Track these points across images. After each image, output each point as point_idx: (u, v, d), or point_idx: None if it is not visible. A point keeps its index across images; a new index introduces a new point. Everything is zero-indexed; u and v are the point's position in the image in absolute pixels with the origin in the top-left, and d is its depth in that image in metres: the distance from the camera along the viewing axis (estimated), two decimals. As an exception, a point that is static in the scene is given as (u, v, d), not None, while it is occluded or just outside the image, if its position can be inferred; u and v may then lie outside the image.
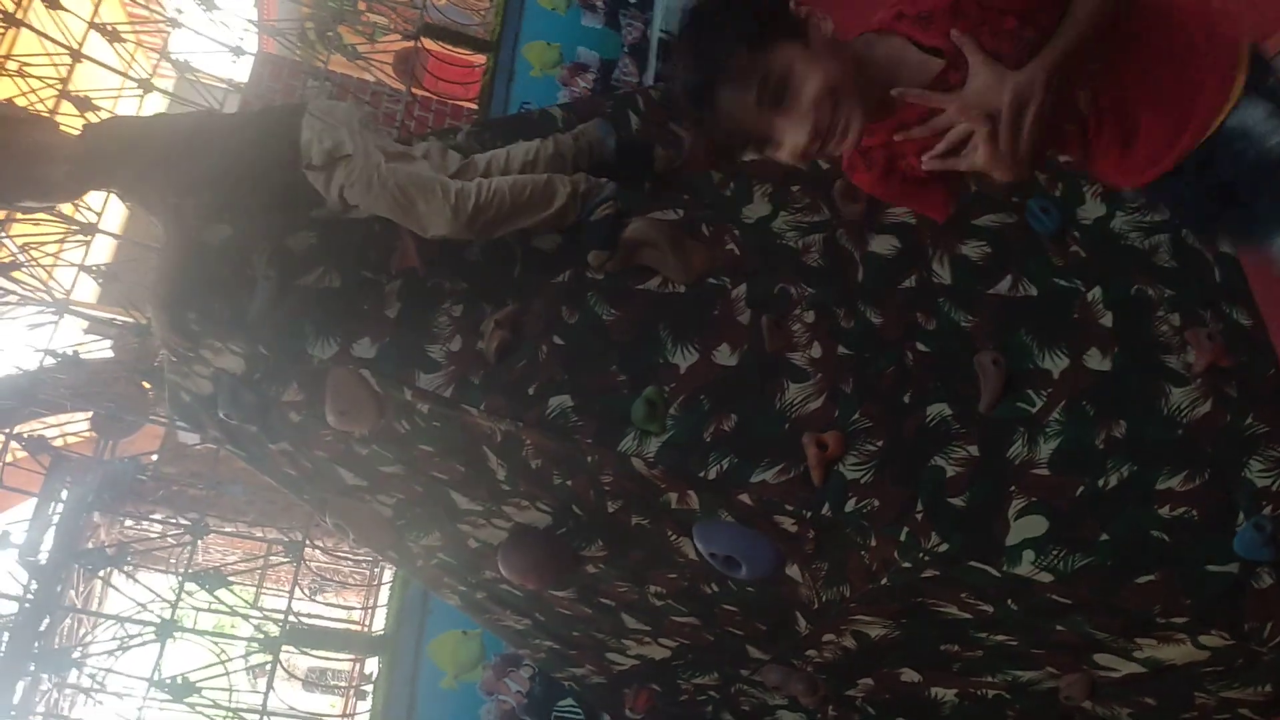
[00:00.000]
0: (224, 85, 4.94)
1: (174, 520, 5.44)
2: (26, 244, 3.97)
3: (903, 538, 1.99)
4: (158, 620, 3.87)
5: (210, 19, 4.54)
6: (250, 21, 6.21)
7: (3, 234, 3.95)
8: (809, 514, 2.07)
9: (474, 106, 5.90)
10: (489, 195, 2.25)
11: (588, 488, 2.30)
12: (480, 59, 6.29)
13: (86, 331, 5.94)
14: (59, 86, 4.12)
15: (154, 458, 6.14)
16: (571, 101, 4.04)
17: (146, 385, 4.72)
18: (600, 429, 2.16)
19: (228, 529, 4.99)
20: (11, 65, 4.05)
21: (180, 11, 4.54)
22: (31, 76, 4.12)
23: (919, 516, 2.00)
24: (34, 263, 3.89)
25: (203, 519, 3.73)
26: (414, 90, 5.79)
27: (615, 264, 2.38)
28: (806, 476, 2.07)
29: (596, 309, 2.34)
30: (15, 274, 3.97)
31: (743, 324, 2.30)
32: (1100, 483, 2.03)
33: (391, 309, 2.34)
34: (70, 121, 4.30)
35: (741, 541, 2.19)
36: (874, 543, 2.03)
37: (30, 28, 4.17)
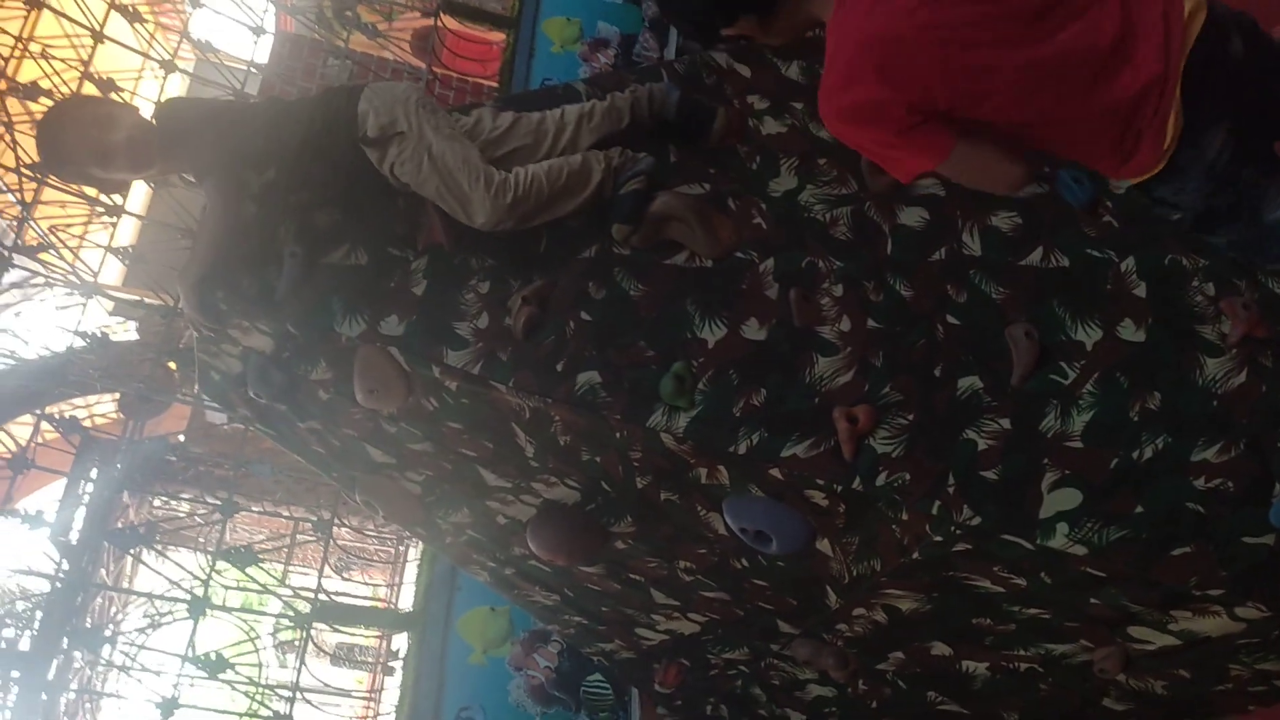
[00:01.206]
0: (245, 66, 4.93)
1: (202, 499, 5.51)
2: (53, 226, 3.99)
3: (935, 511, 1.98)
4: (189, 598, 3.91)
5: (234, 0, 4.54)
6: (269, 1, 6.22)
7: (31, 216, 3.96)
8: (840, 488, 2.06)
9: (494, 84, 5.89)
10: (527, 184, 2.25)
11: (616, 463, 2.30)
12: (499, 37, 6.28)
13: (112, 314, 5.99)
14: (81, 68, 4.14)
15: (181, 438, 6.19)
16: (594, 76, 4.01)
17: (172, 366, 4.76)
18: (629, 405, 2.16)
19: (256, 508, 5.02)
20: (34, 48, 4.06)
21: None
22: (54, 59, 4.13)
23: (951, 490, 1.99)
24: (62, 244, 3.91)
25: (231, 498, 3.76)
26: (433, 68, 5.78)
27: (640, 238, 2.37)
28: (837, 450, 2.06)
29: (623, 284, 2.33)
30: (42, 255, 4.00)
31: (771, 298, 2.28)
32: (1135, 455, 2.01)
33: (418, 286, 2.34)
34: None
35: (772, 516, 2.18)
36: (905, 517, 2.03)
37: (52, 9, 4.18)
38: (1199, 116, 1.56)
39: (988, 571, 2.10)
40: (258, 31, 4.60)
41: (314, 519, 4.34)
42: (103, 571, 5.48)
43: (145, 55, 4.40)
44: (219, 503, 4.26)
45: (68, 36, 4.42)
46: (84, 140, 2.18)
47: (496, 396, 2.25)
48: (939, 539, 2.01)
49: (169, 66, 4.28)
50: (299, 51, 5.40)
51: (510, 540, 2.67)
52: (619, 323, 2.27)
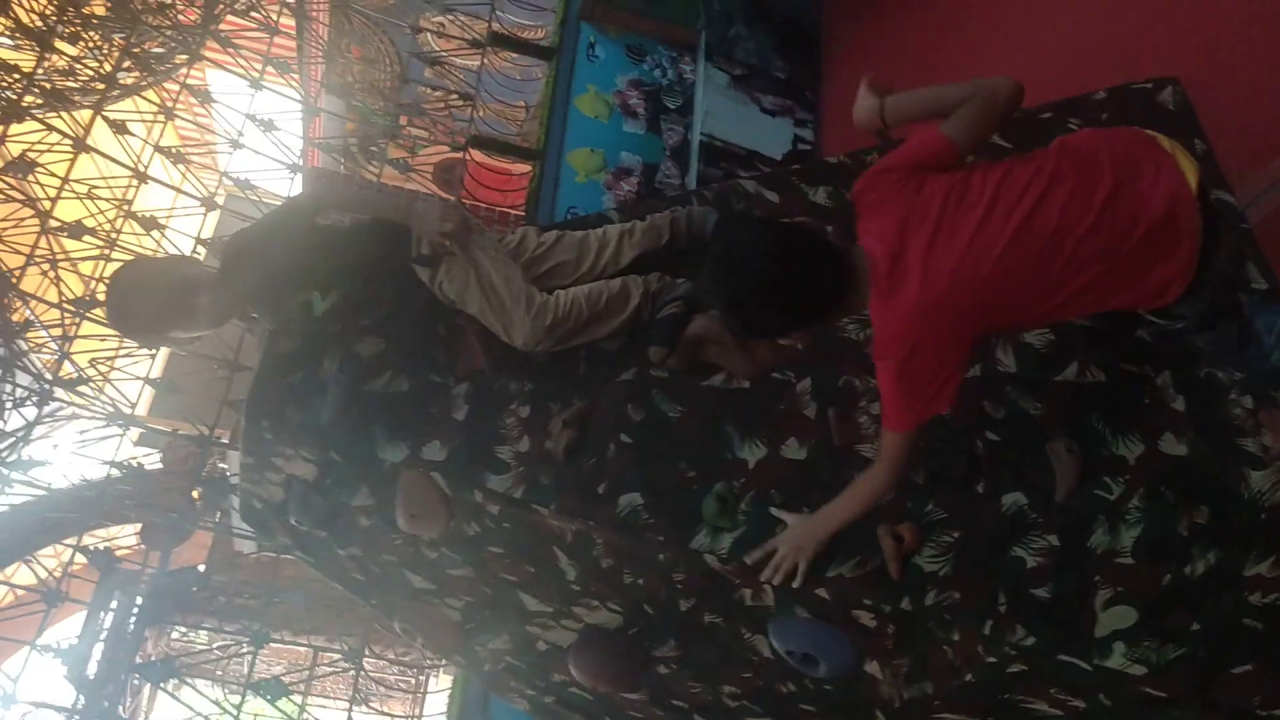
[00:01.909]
0: (279, 201, 5.10)
1: (222, 629, 5.44)
2: (94, 359, 4.07)
3: (987, 631, 1.95)
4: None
5: (270, 140, 4.72)
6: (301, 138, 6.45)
7: (68, 352, 4.05)
8: (888, 608, 2.04)
9: (520, 212, 6.06)
10: (567, 307, 2.32)
11: (660, 586, 2.28)
12: (522, 167, 6.49)
13: (137, 443, 6.03)
14: (124, 206, 4.28)
15: (202, 568, 6.16)
16: (623, 204, 4.12)
17: (195, 496, 4.78)
18: (672, 526, 2.16)
19: (286, 637, 4.96)
20: (79, 188, 4.21)
21: (241, 134, 4.68)
22: (99, 198, 4.28)
23: (1003, 609, 1.96)
24: (103, 377, 3.98)
25: (264, 629, 3.72)
26: (461, 198, 5.97)
27: (677, 361, 2.41)
28: (884, 570, 2.05)
29: (662, 406, 2.36)
30: (80, 387, 4.06)
31: (809, 417, 2.30)
32: (1186, 570, 1.98)
33: (460, 412, 2.38)
34: (133, 240, 4.46)
35: (819, 638, 2.15)
36: (957, 637, 1.99)
37: (100, 153, 4.35)
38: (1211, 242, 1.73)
39: (1044, 693, 2.04)
40: (294, 169, 4.78)
41: (342, 649, 4.27)
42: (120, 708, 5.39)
43: (186, 194, 4.55)
44: (241, 634, 4.21)
45: (104, 179, 4.60)
46: (167, 306, 2.26)
47: (538, 520, 2.25)
48: (992, 660, 1.97)
49: (209, 204, 4.42)
50: (333, 186, 5.58)
51: (550, 667, 2.62)
52: (659, 444, 2.29)
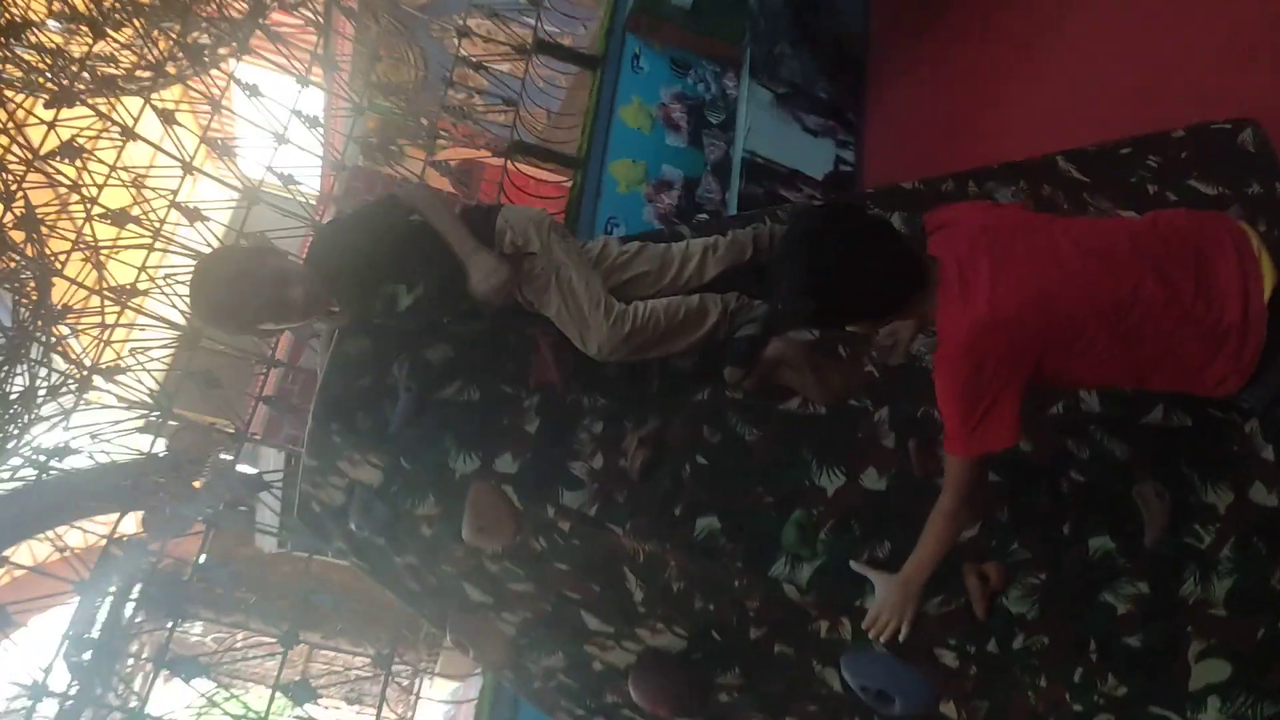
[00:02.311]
0: (320, 197, 5.07)
1: (219, 621, 5.36)
2: (134, 349, 4.03)
3: (1077, 679, 1.91)
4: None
5: (314, 135, 4.70)
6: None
7: (108, 340, 4.01)
8: (973, 649, 1.99)
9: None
10: (645, 318, 2.29)
11: (730, 613, 2.24)
12: (552, 174, 6.49)
13: (142, 430, 5.99)
14: (170, 197, 4.25)
15: (202, 559, 6.10)
16: (697, 222, 4.08)
17: (196, 484, 4.73)
18: (750, 553, 2.12)
19: (316, 639, 4.90)
20: (125, 175, 4.17)
21: (286, 128, 4.65)
22: (145, 188, 4.25)
23: (1093, 656, 1.92)
24: (141, 367, 3.94)
25: (294, 630, 3.66)
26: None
27: (752, 383, 2.38)
28: (969, 609, 2.01)
29: (738, 429, 2.32)
30: (118, 376, 4.02)
31: (888, 448, 2.26)
32: (1282, 625, 1.94)
33: (531, 424, 2.34)
34: (177, 230, 4.43)
35: (895, 675, 2.11)
36: (1044, 683, 1.95)
37: (147, 141, 4.32)
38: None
39: (1127, 744, 2.01)
40: (338, 168, 4.75)
41: (368, 653, 4.22)
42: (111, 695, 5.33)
43: (229, 186, 4.52)
44: (237, 625, 4.14)
45: (146, 169, 4.56)
46: (265, 299, 2.21)
47: (612, 539, 2.21)
48: (1079, 708, 1.93)
49: (251, 197, 4.38)
50: (373, 185, 5.55)
51: (604, 688, 2.58)
52: (735, 468, 2.25)
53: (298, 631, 3.60)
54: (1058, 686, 1.93)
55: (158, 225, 4.24)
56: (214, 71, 4.86)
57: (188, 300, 2.26)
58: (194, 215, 4.20)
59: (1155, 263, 1.71)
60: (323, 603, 4.04)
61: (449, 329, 2.45)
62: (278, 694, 3.54)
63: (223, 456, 4.87)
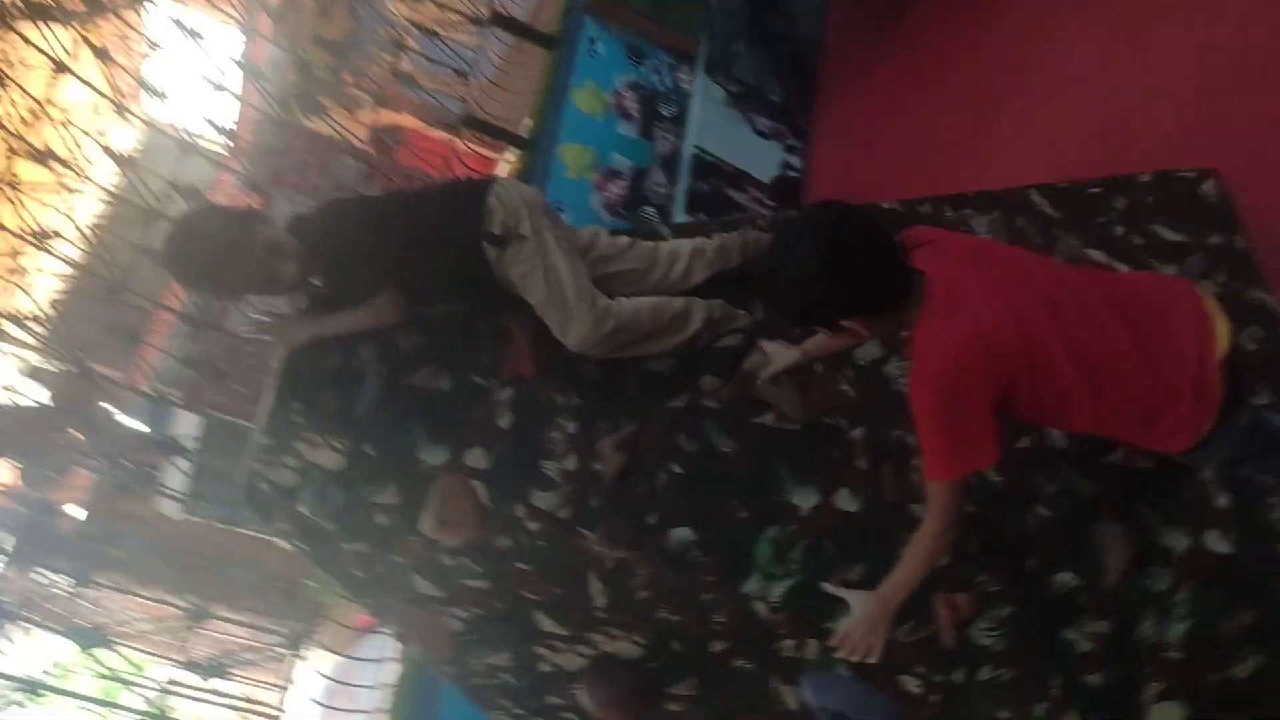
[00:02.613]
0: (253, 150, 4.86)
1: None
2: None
3: (1039, 714, 1.94)
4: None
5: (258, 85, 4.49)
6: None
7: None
8: (939, 678, 2.01)
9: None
10: (630, 316, 2.24)
11: (694, 624, 2.22)
12: (462, 144, 6.37)
13: (26, 374, 5.69)
14: (101, 140, 4.01)
15: (84, 514, 5.84)
16: (679, 226, 3.99)
17: (78, 434, 4.52)
18: (723, 567, 2.10)
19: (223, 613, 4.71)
20: (55, 114, 3.93)
21: (223, 74, 4.44)
22: (75, 126, 4.00)
23: (1056, 692, 1.95)
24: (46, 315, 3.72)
25: (204, 602, 3.50)
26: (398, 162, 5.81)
27: (730, 393, 2.35)
28: (937, 637, 2.02)
29: (714, 439, 2.29)
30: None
31: (862, 469, 2.27)
32: (1234, 671, 2.01)
33: (504, 419, 2.27)
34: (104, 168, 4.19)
35: (858, 698, 2.12)
36: (1007, 715, 1.98)
37: (76, 76, 4.06)
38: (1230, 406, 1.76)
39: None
40: (281, 125, 4.55)
41: (277, 630, 4.08)
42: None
43: (166, 133, 4.30)
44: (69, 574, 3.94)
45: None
46: (253, 270, 2.09)
47: (580, 544, 2.16)
48: (1040, 742, 1.97)
49: (188, 148, 4.17)
50: (316, 146, 5.34)
51: (549, 689, 2.53)
52: (711, 479, 2.23)
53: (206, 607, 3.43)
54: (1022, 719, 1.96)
55: (80, 167, 4.00)
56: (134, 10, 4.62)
57: (166, 258, 2.10)
58: (126, 164, 3.98)
59: (1124, 315, 1.76)
60: (238, 576, 3.88)
61: (421, 312, 2.35)
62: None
63: (103, 405, 4.64)
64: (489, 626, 2.48)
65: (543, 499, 2.16)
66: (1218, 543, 2.19)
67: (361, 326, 2.24)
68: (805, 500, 2.21)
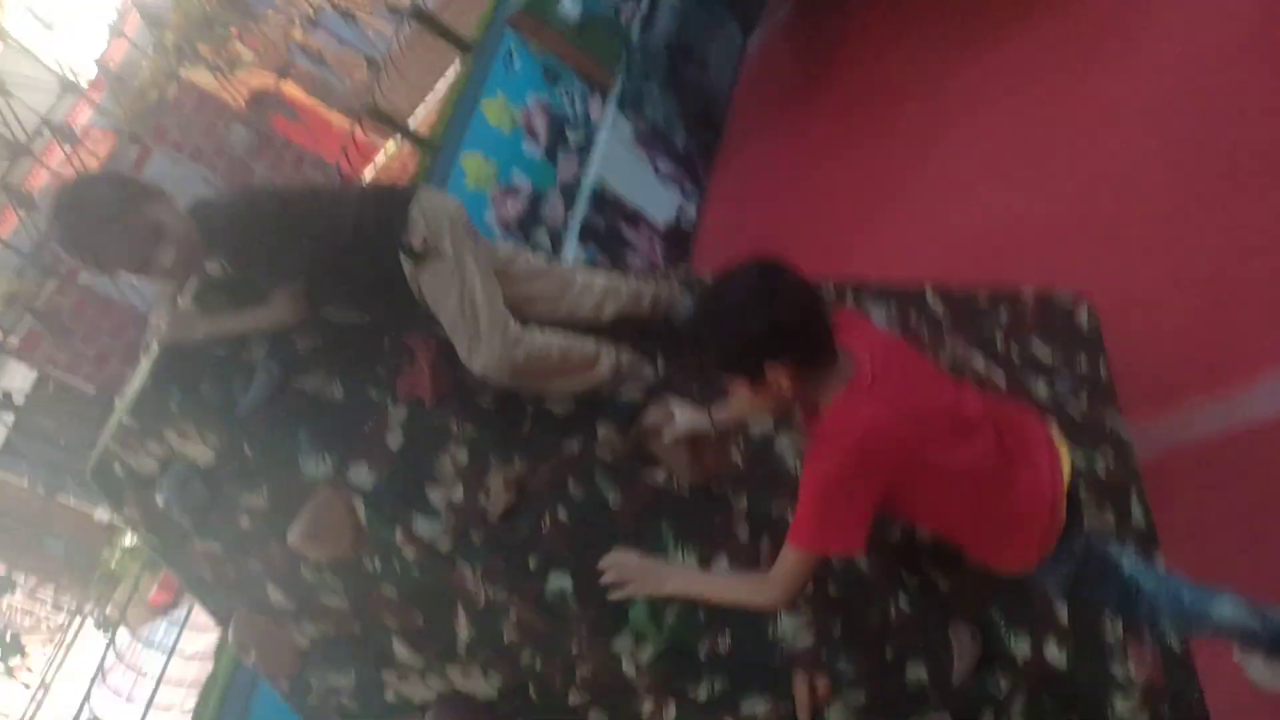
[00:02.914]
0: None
1: None
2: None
3: (881, 801, 2.00)
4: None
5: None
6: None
7: None
8: (791, 756, 2.05)
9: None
10: (540, 349, 2.21)
11: (556, 673, 2.19)
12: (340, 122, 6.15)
13: None
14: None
15: None
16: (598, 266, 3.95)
17: None
18: (597, 621, 2.09)
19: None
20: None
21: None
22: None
23: (899, 783, 2.02)
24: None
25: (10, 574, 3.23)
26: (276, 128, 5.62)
27: (625, 446, 2.35)
28: (794, 715, 2.07)
29: (603, 489, 2.28)
30: None
31: (741, 540, 2.30)
32: (1061, 781, 2.13)
33: (394, 439, 2.20)
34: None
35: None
36: (849, 799, 2.04)
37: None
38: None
39: None
40: (169, 75, 4.29)
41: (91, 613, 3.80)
42: None
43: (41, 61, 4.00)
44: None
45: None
46: (127, 250, 1.95)
47: (457, 578, 2.11)
48: (877, 828, 2.03)
49: (71, 87, 3.90)
50: (204, 108, 5.07)
51: (389, 718, 2.45)
52: (596, 529, 2.22)
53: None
54: (862, 805, 2.02)
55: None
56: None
57: (48, 219, 1.95)
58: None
59: (1002, 441, 1.86)
60: (52, 548, 3.60)
61: (324, 314, 2.26)
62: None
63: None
64: (339, 647, 2.38)
65: (424, 526, 2.10)
66: (1056, 655, 2.32)
67: (259, 326, 2.13)
68: (685, 564, 2.22)
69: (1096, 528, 2.20)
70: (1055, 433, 1.94)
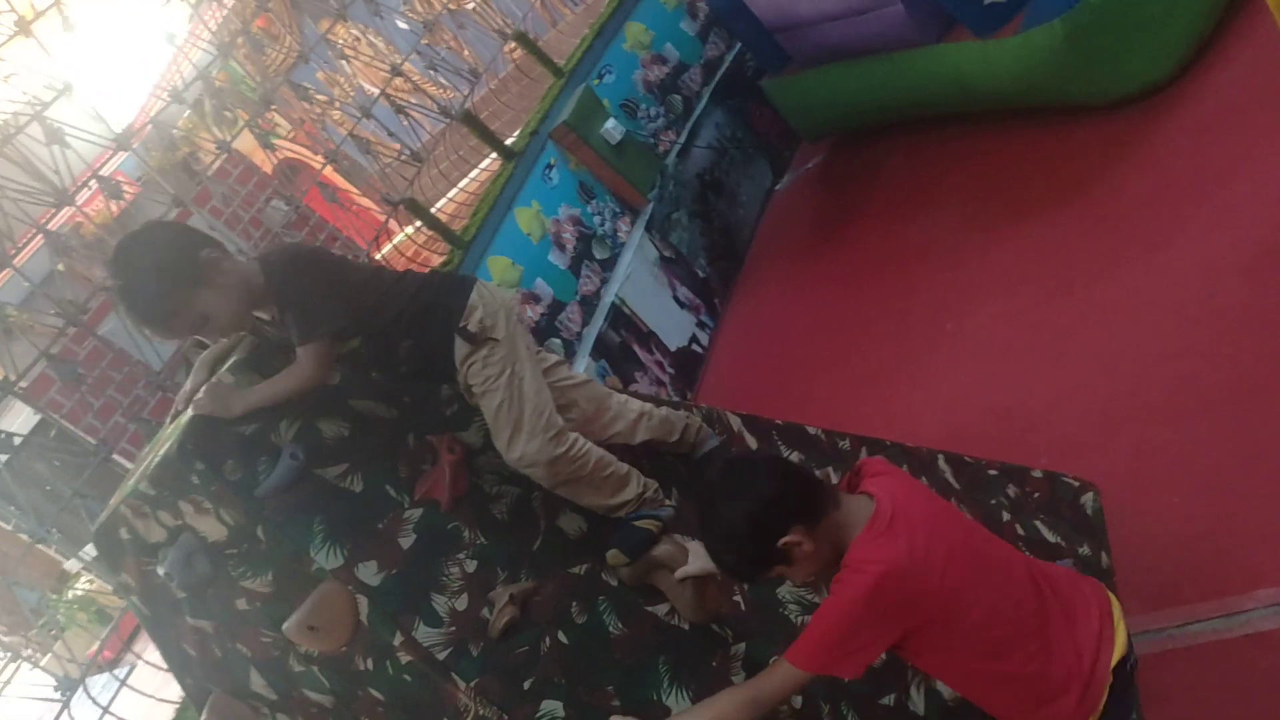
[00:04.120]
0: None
1: None
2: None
3: None
4: None
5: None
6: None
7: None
8: None
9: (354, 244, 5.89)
10: (580, 452, 2.24)
11: (535, 803, 2.14)
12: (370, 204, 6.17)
13: None
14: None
15: None
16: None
17: None
18: (585, 754, 2.05)
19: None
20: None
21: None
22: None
23: None
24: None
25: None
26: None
27: (631, 575, 2.34)
28: None
29: (605, 616, 2.27)
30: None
31: (736, 685, 2.27)
32: None
33: (406, 539, 2.19)
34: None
35: None
36: None
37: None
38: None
39: None
40: (223, 148, 4.41)
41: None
42: None
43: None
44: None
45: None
46: (226, 308, 2.04)
47: (448, 689, 2.08)
48: None
49: (122, 143, 3.99)
50: (246, 179, 5.19)
51: (351, 826, 2.37)
52: (593, 657, 2.19)
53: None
54: None
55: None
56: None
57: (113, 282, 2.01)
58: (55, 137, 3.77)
59: (1039, 595, 1.85)
60: (24, 599, 3.53)
61: (353, 403, 2.28)
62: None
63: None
64: (313, 743, 2.33)
65: (425, 633, 2.08)
66: None
67: (289, 388, 2.14)
68: (676, 704, 2.19)
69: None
70: (1117, 607, 1.91)
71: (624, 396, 2.51)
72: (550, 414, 2.24)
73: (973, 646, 1.80)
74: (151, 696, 3.38)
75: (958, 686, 2.01)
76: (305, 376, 2.16)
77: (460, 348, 2.22)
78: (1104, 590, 2.00)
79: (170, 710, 3.41)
